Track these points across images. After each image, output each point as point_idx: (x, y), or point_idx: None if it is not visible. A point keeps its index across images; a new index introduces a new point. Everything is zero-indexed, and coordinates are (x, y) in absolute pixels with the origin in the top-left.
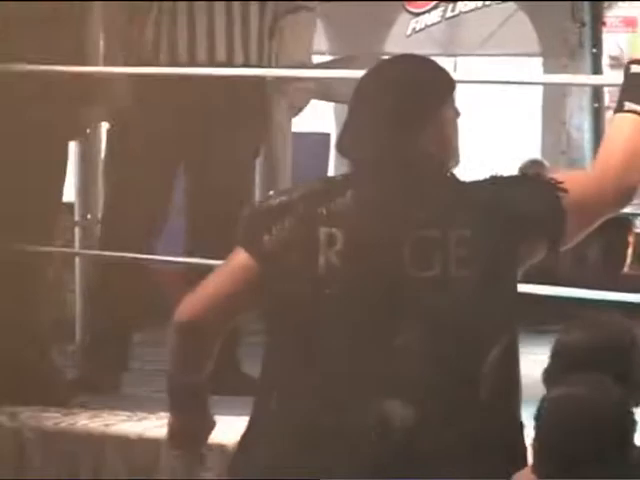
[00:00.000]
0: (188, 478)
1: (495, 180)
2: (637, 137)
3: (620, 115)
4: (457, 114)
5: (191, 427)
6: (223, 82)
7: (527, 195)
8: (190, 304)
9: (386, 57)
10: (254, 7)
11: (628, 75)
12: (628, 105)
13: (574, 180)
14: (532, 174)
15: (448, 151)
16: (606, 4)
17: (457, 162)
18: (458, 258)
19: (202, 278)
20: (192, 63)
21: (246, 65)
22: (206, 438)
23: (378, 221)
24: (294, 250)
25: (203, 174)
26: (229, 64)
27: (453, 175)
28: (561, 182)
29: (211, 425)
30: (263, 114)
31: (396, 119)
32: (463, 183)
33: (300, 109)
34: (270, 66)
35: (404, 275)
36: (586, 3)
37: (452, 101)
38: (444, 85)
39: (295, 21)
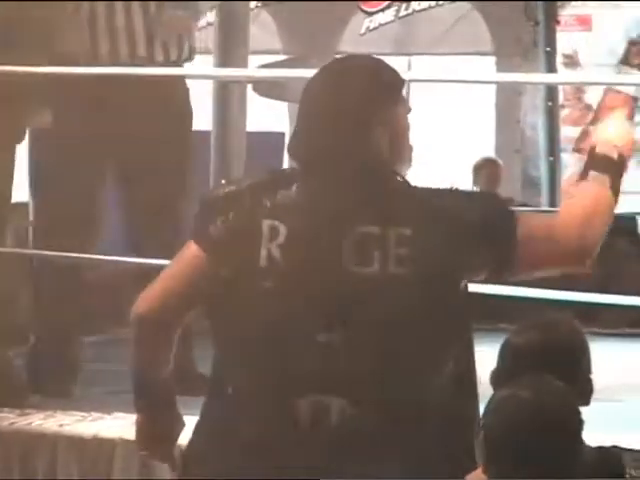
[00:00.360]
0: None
1: (454, 191)
2: (598, 203)
3: (584, 182)
4: (408, 110)
5: (159, 426)
6: (145, 80)
7: (479, 211)
8: (146, 298)
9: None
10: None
11: (594, 154)
12: (592, 174)
13: (537, 219)
14: (497, 197)
15: (400, 149)
16: (559, 3)
17: (409, 160)
18: (397, 256)
19: (149, 277)
20: (115, 61)
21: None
22: (176, 438)
23: (320, 216)
24: (237, 241)
25: (137, 175)
26: (150, 61)
27: (402, 177)
28: (522, 216)
29: (181, 425)
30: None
31: (345, 119)
32: (412, 186)
33: None
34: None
35: (343, 270)
36: (540, 2)
37: (402, 99)
38: (394, 84)
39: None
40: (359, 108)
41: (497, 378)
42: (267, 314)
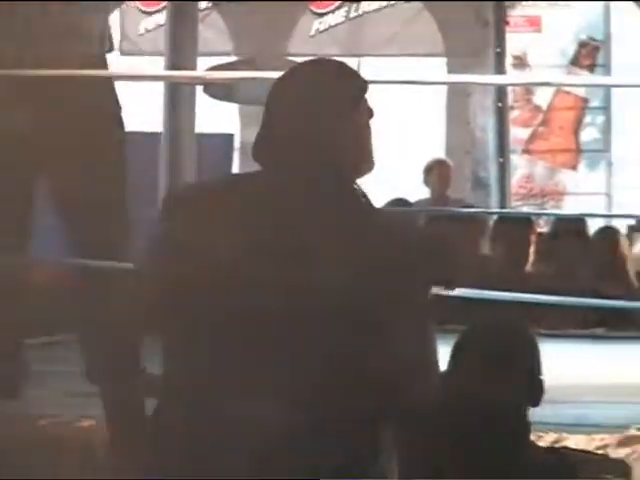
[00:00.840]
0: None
1: (405, 222)
2: None
3: None
4: (371, 115)
5: (127, 429)
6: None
7: (418, 253)
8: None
9: (291, 58)
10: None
11: None
12: None
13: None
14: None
15: (363, 154)
16: (509, 3)
17: (372, 164)
18: (341, 266)
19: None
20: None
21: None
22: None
23: (276, 221)
24: (186, 243)
25: (68, 180)
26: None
27: (360, 189)
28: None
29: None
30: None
31: (309, 124)
32: (367, 199)
33: None
34: None
35: (287, 277)
36: (490, 3)
37: (365, 103)
38: (357, 88)
39: None
40: (323, 113)
41: (448, 379)
42: (213, 317)
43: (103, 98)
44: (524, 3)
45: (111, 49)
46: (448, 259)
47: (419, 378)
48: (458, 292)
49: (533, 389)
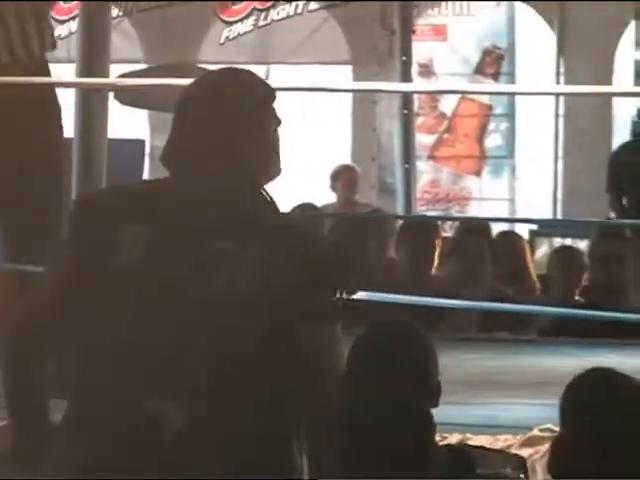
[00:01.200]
0: None
1: (304, 231)
2: None
3: None
4: (278, 123)
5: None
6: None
7: (320, 263)
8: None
9: (201, 65)
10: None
11: None
12: None
13: None
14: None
15: (270, 160)
16: (415, 12)
17: (279, 170)
18: (245, 273)
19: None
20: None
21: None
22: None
23: (182, 226)
24: (98, 248)
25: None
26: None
27: (269, 196)
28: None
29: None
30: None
31: (218, 132)
32: (275, 208)
33: None
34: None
35: (191, 283)
36: (396, 11)
37: (274, 112)
38: (265, 97)
39: None
40: (231, 120)
41: (348, 383)
42: (120, 319)
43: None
44: (430, 12)
45: (53, 48)
46: (349, 266)
47: (324, 385)
48: (363, 295)
49: (432, 390)
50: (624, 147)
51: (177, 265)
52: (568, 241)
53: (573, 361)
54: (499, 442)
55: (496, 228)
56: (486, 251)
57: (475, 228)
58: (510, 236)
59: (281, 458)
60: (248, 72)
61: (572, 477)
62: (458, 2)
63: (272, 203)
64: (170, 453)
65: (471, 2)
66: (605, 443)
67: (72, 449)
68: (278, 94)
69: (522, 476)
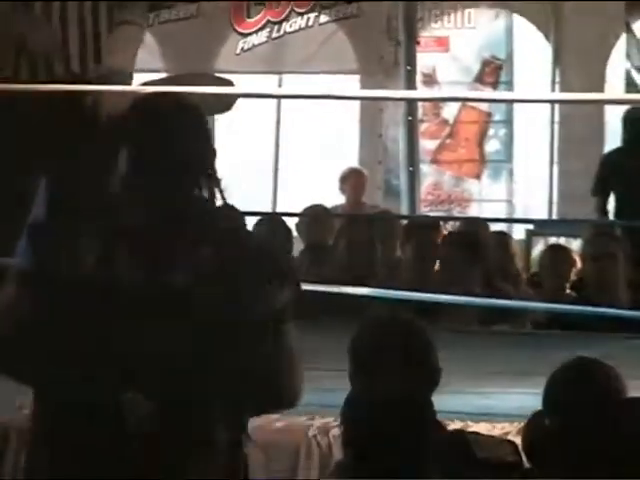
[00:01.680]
0: None
1: (246, 233)
2: None
3: None
4: (207, 138)
5: None
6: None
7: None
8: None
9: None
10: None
11: None
12: None
13: None
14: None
15: (205, 168)
16: (419, 24)
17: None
18: (201, 271)
19: None
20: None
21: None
22: None
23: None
24: (58, 256)
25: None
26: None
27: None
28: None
29: None
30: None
31: (156, 153)
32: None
33: None
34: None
35: (152, 281)
36: (401, 24)
37: (206, 133)
38: (196, 121)
39: (120, 35)
40: (167, 142)
41: (353, 375)
42: (84, 319)
43: None
44: (433, 25)
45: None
46: (281, 262)
47: (269, 383)
48: (369, 291)
49: (434, 378)
50: (613, 152)
51: (135, 265)
52: (562, 240)
53: (565, 352)
54: (496, 429)
55: (494, 227)
56: (478, 250)
57: (473, 228)
58: (499, 235)
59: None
60: (178, 97)
61: (540, 451)
62: (460, 15)
63: (219, 208)
64: (136, 442)
65: (472, 15)
66: (569, 422)
67: (42, 449)
68: (291, 102)
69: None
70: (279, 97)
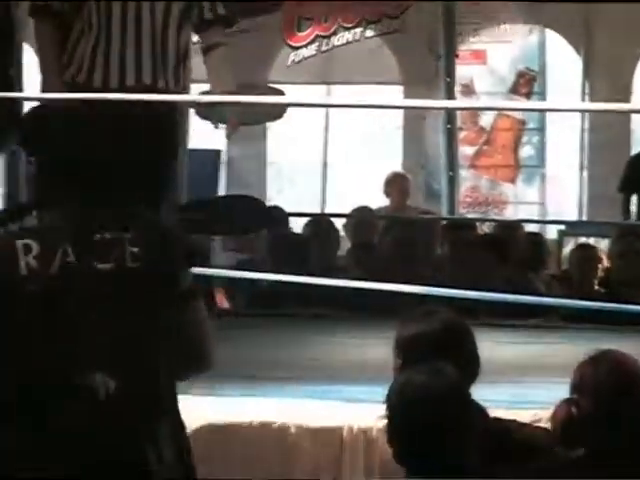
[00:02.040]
0: None
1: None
2: None
3: None
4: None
5: None
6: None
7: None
8: None
9: (270, 85)
10: (172, 34)
11: None
12: None
13: None
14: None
15: None
16: (459, 39)
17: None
18: (131, 254)
19: None
20: (122, 87)
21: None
22: None
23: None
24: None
25: None
26: (154, 88)
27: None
28: None
29: None
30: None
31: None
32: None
33: None
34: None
35: (89, 268)
36: (441, 39)
37: None
38: None
39: (216, 55)
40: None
41: (399, 368)
42: (38, 310)
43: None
44: (471, 39)
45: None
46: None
47: (192, 348)
48: (417, 289)
49: (473, 369)
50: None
51: (74, 256)
52: (592, 240)
53: (592, 345)
54: (529, 416)
55: (528, 228)
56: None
57: (509, 229)
58: (531, 236)
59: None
60: None
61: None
62: (496, 30)
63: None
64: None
65: (508, 30)
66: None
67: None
68: (339, 110)
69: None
70: (328, 106)
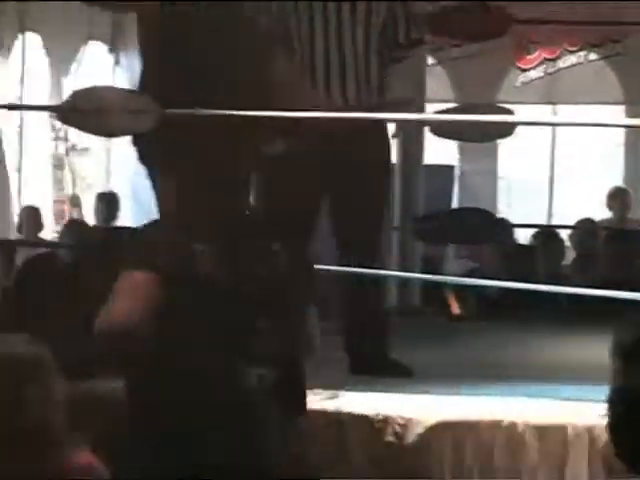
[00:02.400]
0: None
1: None
2: None
3: None
4: None
5: None
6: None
7: None
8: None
9: (500, 105)
10: (373, 59)
11: None
12: None
13: None
14: None
15: None
16: None
17: None
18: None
19: None
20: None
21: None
22: None
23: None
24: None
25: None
26: (358, 105)
27: None
28: None
29: None
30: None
31: None
32: None
33: None
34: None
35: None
36: None
37: None
38: None
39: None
40: None
41: (617, 374)
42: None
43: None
44: None
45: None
46: None
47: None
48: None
49: None
50: None
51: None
52: None
53: None
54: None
55: None
56: None
57: None
58: None
59: None
60: None
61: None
62: None
63: None
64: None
65: None
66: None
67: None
68: (564, 129)
69: None
70: (554, 125)
